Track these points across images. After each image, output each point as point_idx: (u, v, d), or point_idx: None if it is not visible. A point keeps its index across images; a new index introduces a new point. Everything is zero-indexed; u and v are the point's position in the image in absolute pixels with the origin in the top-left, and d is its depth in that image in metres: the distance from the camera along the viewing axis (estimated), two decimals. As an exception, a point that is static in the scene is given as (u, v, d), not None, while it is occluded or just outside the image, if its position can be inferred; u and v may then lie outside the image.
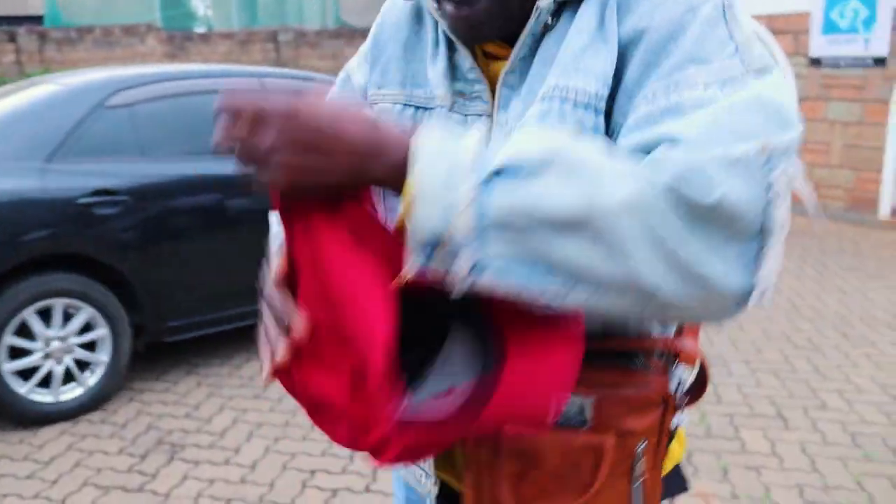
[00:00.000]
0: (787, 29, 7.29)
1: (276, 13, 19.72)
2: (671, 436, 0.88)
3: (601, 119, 0.74)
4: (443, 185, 0.61)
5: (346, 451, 3.04)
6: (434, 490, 0.94)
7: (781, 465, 2.91)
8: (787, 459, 2.96)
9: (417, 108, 0.90)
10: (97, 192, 3.35)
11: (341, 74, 1.03)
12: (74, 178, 3.34)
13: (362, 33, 12.83)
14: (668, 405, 0.84)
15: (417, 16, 0.93)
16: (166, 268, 3.56)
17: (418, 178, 0.62)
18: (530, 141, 0.64)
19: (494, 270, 0.62)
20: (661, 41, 0.72)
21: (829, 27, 7.00)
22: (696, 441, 3.07)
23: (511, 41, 0.83)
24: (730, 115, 0.65)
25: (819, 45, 7.09)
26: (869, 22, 6.76)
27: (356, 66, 1.00)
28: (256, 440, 3.16)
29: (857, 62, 6.89)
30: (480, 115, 0.84)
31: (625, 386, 0.81)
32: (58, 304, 3.29)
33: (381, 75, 0.94)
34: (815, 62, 7.16)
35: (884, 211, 7.04)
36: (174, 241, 3.60)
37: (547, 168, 0.61)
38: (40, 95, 3.57)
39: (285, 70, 4.39)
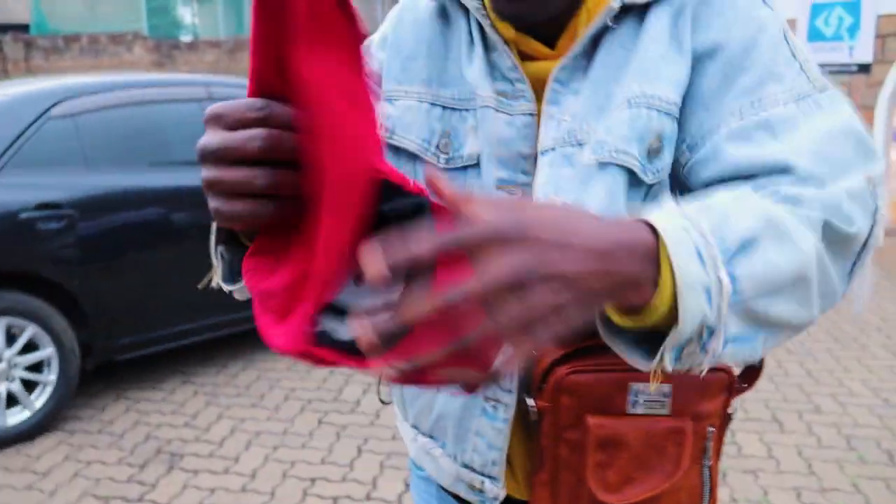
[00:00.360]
0: (773, 36, 7.38)
1: (263, 21, 19.62)
2: (729, 421, 0.92)
3: (676, 127, 0.78)
4: (699, 269, 0.55)
5: (346, 459, 3.05)
6: (502, 494, 0.91)
7: (778, 468, 2.94)
8: (783, 462, 2.99)
9: (445, 108, 0.89)
10: (40, 206, 3.24)
11: None
12: (16, 192, 3.21)
13: (350, 41, 12.83)
14: (732, 389, 0.88)
15: (443, 15, 0.92)
16: (114, 283, 3.45)
17: (678, 264, 0.54)
18: (738, 208, 0.61)
19: (732, 347, 0.60)
20: (737, 57, 0.76)
21: (815, 34, 7.08)
22: (693, 445, 3.09)
23: (548, 41, 0.84)
24: (828, 145, 0.71)
25: (805, 52, 7.18)
26: (853, 29, 6.85)
27: (377, 46, 0.97)
28: (255, 448, 3.15)
29: (843, 69, 6.98)
30: (526, 115, 0.84)
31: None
32: (0, 323, 3.20)
33: (401, 71, 0.92)
34: (801, 69, 7.25)
35: (870, 216, 7.12)
36: (121, 255, 3.49)
37: (766, 236, 0.60)
38: None
39: (235, 79, 4.31)
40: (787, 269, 0.61)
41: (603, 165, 0.78)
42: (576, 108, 0.81)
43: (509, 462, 0.91)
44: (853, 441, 3.15)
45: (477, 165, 0.87)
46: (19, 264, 3.23)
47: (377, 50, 0.97)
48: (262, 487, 2.87)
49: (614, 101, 0.79)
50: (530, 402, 0.84)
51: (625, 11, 0.81)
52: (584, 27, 0.82)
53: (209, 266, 0.80)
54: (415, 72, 0.91)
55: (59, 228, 3.27)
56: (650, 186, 0.79)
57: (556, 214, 0.51)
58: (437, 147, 0.89)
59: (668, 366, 0.59)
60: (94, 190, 3.41)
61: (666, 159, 0.78)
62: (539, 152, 0.82)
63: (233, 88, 4.09)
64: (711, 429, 0.88)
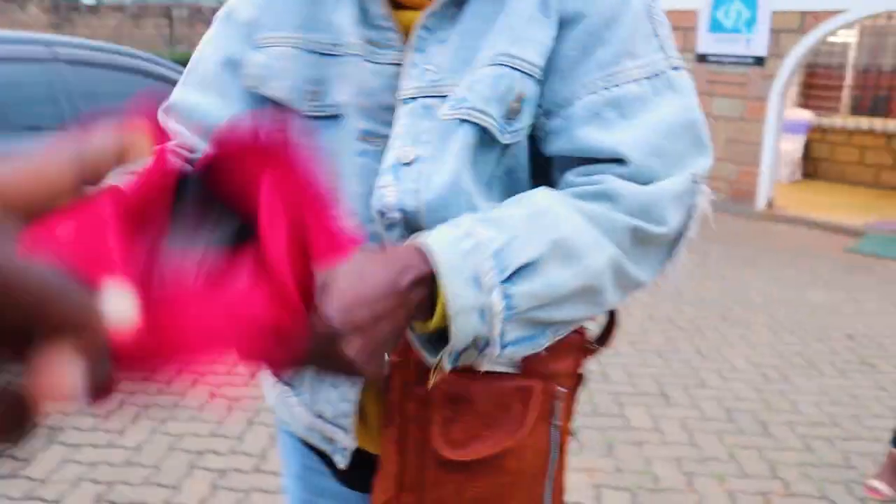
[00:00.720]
0: (677, 25, 7.59)
1: (170, -14, 18.96)
2: (580, 383, 0.93)
3: (538, 90, 0.78)
4: (474, 293, 0.65)
5: (235, 432, 2.99)
6: (353, 445, 0.90)
7: (662, 440, 3.05)
8: (667, 434, 3.10)
9: (318, 53, 0.86)
10: None
11: (221, 13, 0.95)
12: None
13: (261, 12, 12.52)
14: (584, 350, 0.91)
15: None
16: None
17: (452, 291, 0.64)
18: (530, 230, 0.69)
19: (512, 348, 0.70)
20: (598, 28, 0.78)
21: (716, 26, 7.34)
22: (583, 419, 3.17)
23: None
24: (666, 139, 0.76)
25: (706, 42, 7.43)
26: (750, 23, 7.14)
27: (238, 2, 0.93)
28: (143, 422, 3.05)
29: (740, 60, 7.26)
30: (393, 64, 0.82)
31: None
32: None
33: (273, 17, 0.88)
34: (702, 58, 7.50)
35: (760, 202, 7.47)
36: None
37: (550, 258, 0.69)
38: None
39: (87, 41, 3.88)
40: (571, 284, 0.70)
41: (460, 122, 0.77)
42: (441, 59, 0.80)
43: (363, 415, 0.90)
44: (733, 413, 3.30)
45: (343, 116, 0.85)
46: None
47: (239, 7, 0.92)
48: (146, 461, 2.78)
49: (480, 57, 0.79)
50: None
51: None
52: None
53: None
54: (287, 17, 0.87)
55: None
56: (506, 147, 0.79)
57: (349, 281, 0.59)
58: (307, 95, 0.85)
59: (447, 366, 0.68)
60: None
61: (525, 121, 0.79)
62: (400, 99, 0.80)
63: (80, 50, 3.66)
64: (562, 389, 0.89)
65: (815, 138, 9.40)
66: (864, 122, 9.21)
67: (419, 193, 0.76)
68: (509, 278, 0.67)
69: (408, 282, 0.63)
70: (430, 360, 0.69)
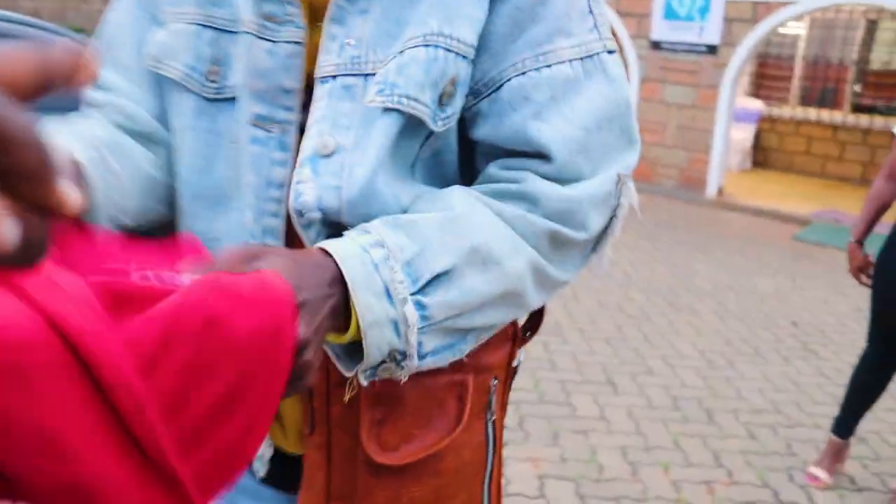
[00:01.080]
0: (631, 12, 7.59)
1: (117, -41, 18.42)
2: (514, 374, 0.90)
3: (471, 71, 0.72)
4: (385, 306, 0.62)
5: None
6: (268, 452, 0.85)
7: (608, 428, 3.03)
8: (613, 423, 3.09)
9: (218, 30, 0.78)
10: None
11: None
12: None
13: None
14: (516, 339, 0.87)
15: None
16: None
17: (362, 304, 0.61)
18: (443, 238, 0.66)
19: (432, 359, 0.67)
20: (530, 4, 0.71)
21: (670, 13, 7.35)
22: (529, 407, 3.14)
23: None
24: (594, 133, 0.72)
25: (660, 29, 7.44)
26: (704, 11, 7.16)
27: None
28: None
29: (692, 48, 7.29)
30: (291, 43, 0.74)
31: None
32: None
33: None
34: (656, 45, 7.52)
35: (710, 190, 7.54)
36: None
37: (465, 266, 0.66)
38: None
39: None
40: (489, 290, 0.68)
41: (386, 110, 0.69)
42: (362, 32, 0.71)
43: (278, 417, 0.84)
44: (679, 401, 3.30)
45: (221, 102, 0.77)
46: None
47: None
48: None
49: (406, 31, 0.71)
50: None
51: None
52: None
53: None
54: None
55: None
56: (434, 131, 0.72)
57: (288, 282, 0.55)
58: (205, 75, 0.77)
59: (364, 381, 0.66)
60: None
61: (457, 105, 0.72)
62: (318, 78, 0.72)
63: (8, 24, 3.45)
64: (495, 381, 0.84)
65: (765, 128, 9.54)
66: (812, 113, 9.37)
67: (341, 191, 0.69)
68: (422, 289, 0.64)
69: (327, 283, 0.60)
70: (347, 372, 0.66)
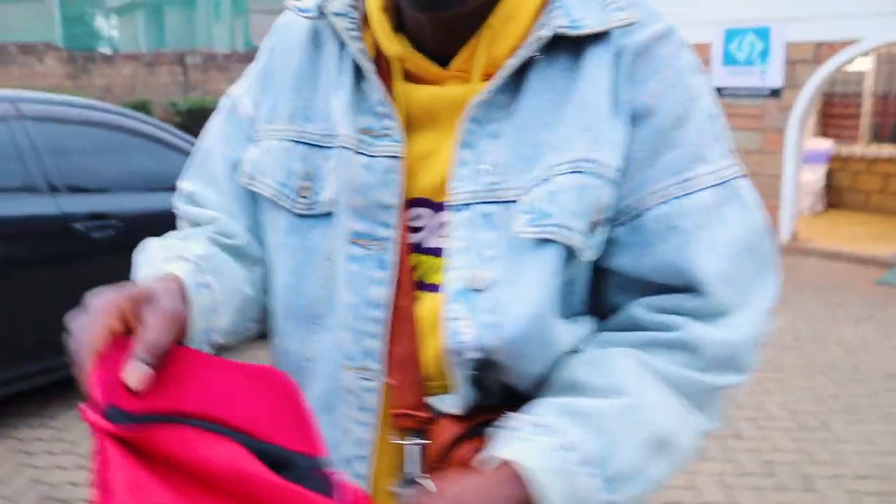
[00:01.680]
0: (690, 60, 7.54)
1: (185, 35, 19.25)
2: None
3: (616, 196, 0.71)
4: None
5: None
6: None
7: (700, 498, 2.89)
8: (705, 492, 2.94)
9: (310, 145, 0.77)
10: None
11: (225, 101, 0.89)
12: None
13: (273, 57, 12.65)
14: None
15: (315, 38, 0.80)
16: None
17: None
18: (626, 432, 0.65)
19: None
20: (668, 128, 0.71)
21: (729, 59, 7.26)
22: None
23: (442, 59, 0.73)
24: (737, 263, 0.71)
25: (720, 75, 7.35)
26: (764, 55, 7.06)
27: (243, 93, 0.86)
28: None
29: (755, 92, 7.17)
30: (389, 157, 0.73)
31: None
32: None
33: (270, 108, 0.81)
34: (718, 91, 7.42)
35: (783, 235, 7.32)
36: None
37: (649, 458, 0.66)
38: None
39: (51, 95, 3.83)
40: (668, 473, 0.68)
41: (542, 242, 0.67)
42: (496, 157, 0.70)
43: None
44: (773, 467, 3.14)
45: (318, 217, 0.76)
46: None
47: (243, 99, 0.85)
48: None
49: (547, 156, 0.69)
50: (429, 483, 0.73)
51: (555, 43, 0.70)
52: (486, 48, 0.71)
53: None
54: (283, 107, 0.80)
55: None
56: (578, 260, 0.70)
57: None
58: (297, 191, 0.77)
59: None
60: None
61: (604, 232, 0.70)
62: (451, 206, 0.70)
63: (46, 105, 3.56)
64: None
65: (836, 168, 9.26)
66: (886, 150, 9.07)
67: (502, 329, 0.67)
68: (614, 489, 0.63)
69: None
70: None
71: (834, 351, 4.53)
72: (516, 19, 0.72)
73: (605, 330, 0.75)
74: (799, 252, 7.19)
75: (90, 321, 0.57)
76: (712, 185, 0.71)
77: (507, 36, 0.72)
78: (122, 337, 0.56)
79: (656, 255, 0.70)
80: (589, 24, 0.70)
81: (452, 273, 0.69)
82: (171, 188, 0.99)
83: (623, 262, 0.72)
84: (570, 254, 0.69)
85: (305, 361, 0.78)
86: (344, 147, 0.74)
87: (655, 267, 0.71)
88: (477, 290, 0.68)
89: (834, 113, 9.81)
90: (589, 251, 0.70)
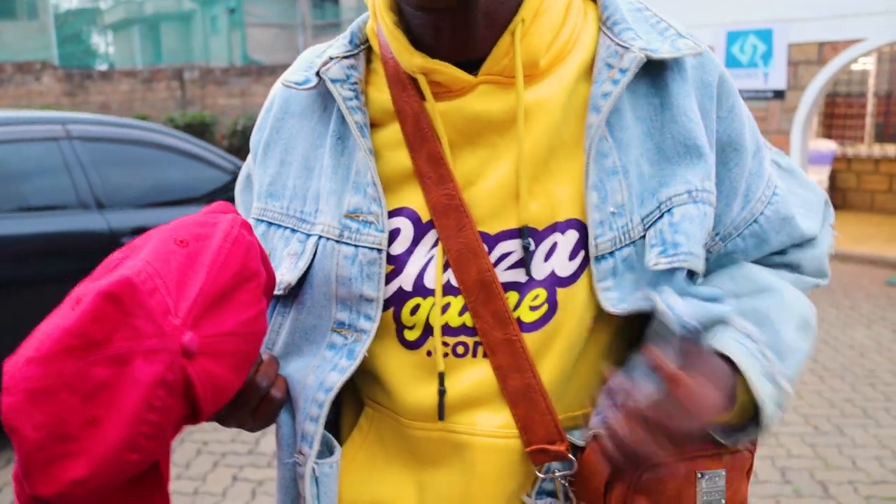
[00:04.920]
0: (691, 63, 7.49)
1: (181, 50, 19.27)
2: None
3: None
4: (772, 389, 0.71)
5: (269, 449, 2.81)
6: None
7: (715, 508, 2.80)
8: (720, 502, 2.86)
9: (271, 224, 0.78)
10: None
11: (243, 173, 0.88)
12: None
13: (270, 70, 12.59)
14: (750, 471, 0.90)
15: (312, 106, 0.78)
16: None
17: (761, 391, 0.70)
18: (781, 317, 0.78)
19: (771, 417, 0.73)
20: (745, 146, 0.79)
21: (731, 61, 7.21)
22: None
23: (469, 65, 0.70)
24: (809, 206, 0.87)
25: (722, 78, 7.30)
26: (767, 56, 7.00)
27: (255, 165, 0.83)
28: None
29: (759, 95, 7.11)
30: (372, 249, 0.71)
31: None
32: None
33: (272, 184, 0.80)
34: (719, 95, 7.37)
35: (790, 238, 7.25)
36: None
37: (800, 338, 0.78)
38: None
39: (98, 116, 4.09)
40: (812, 346, 0.81)
41: (672, 270, 0.70)
42: (620, 196, 0.70)
43: None
44: (788, 473, 3.05)
45: (290, 298, 0.76)
46: None
47: (255, 172, 0.84)
48: (195, 474, 2.60)
49: (660, 189, 0.71)
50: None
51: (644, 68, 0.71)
52: (523, 48, 0.69)
53: None
54: (255, 186, 0.82)
55: None
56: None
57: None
58: (294, 270, 0.77)
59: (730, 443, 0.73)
60: None
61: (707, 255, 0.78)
62: (595, 256, 0.69)
63: (94, 126, 3.76)
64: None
65: (841, 168, 9.19)
66: (891, 150, 9.00)
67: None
68: (785, 362, 0.74)
69: (726, 393, 0.69)
70: (725, 441, 0.72)
71: (847, 354, 4.45)
72: (547, 13, 0.70)
73: None
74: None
75: None
76: (779, 174, 0.85)
77: (540, 29, 0.70)
78: None
79: (775, 243, 0.83)
80: (662, 50, 0.71)
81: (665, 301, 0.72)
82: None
83: (744, 254, 0.83)
84: (692, 274, 0.74)
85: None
86: (326, 238, 0.73)
87: (775, 247, 0.83)
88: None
89: (838, 113, 9.75)
90: (704, 270, 0.76)
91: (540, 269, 0.71)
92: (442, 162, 0.70)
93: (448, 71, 0.69)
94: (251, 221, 0.79)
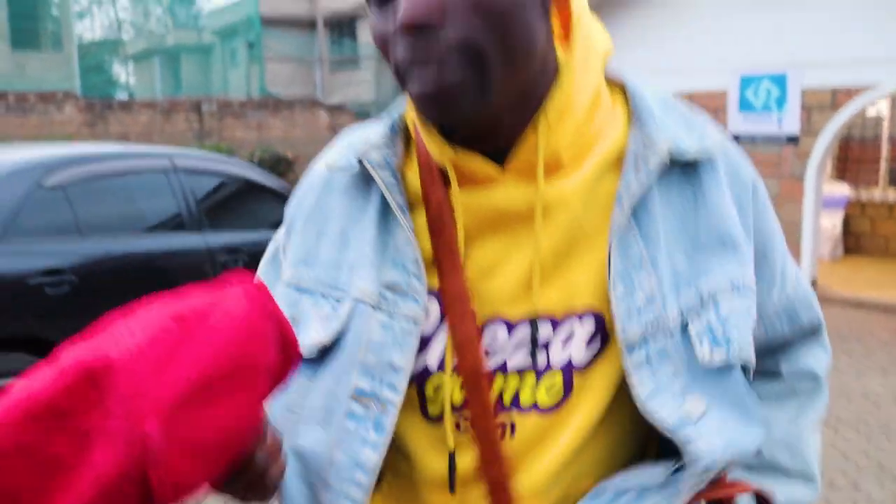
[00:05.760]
0: (707, 106, 7.52)
1: (201, 82, 19.57)
2: None
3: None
4: None
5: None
6: None
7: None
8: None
9: (302, 291, 0.79)
10: (47, 273, 3.44)
11: (270, 249, 0.90)
12: (22, 259, 3.40)
13: (287, 104, 12.76)
14: None
15: (351, 187, 0.80)
16: None
17: None
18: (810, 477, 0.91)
19: None
20: (779, 246, 0.85)
21: (745, 105, 7.25)
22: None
23: (497, 155, 0.72)
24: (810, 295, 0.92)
25: (736, 122, 7.33)
26: (781, 101, 7.04)
27: (289, 235, 0.85)
28: None
29: (773, 139, 7.14)
30: (409, 320, 0.72)
31: None
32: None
33: (289, 258, 0.82)
34: (735, 138, 7.40)
35: (804, 283, 7.21)
36: None
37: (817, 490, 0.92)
38: None
39: (196, 151, 4.80)
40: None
41: (728, 367, 0.71)
42: (649, 285, 0.70)
43: None
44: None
45: (319, 361, 0.76)
46: (26, 328, 3.41)
47: (286, 246, 0.86)
48: None
49: (699, 281, 0.72)
50: None
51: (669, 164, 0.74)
52: (545, 144, 0.70)
53: None
54: (289, 254, 0.83)
55: (60, 293, 3.48)
56: None
57: None
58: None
59: None
60: (91, 256, 3.68)
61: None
62: (626, 346, 0.70)
63: (193, 160, 4.50)
64: None
65: (855, 213, 9.17)
66: (905, 195, 8.99)
67: (735, 444, 0.73)
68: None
69: None
70: None
71: (861, 405, 4.40)
72: (572, 112, 0.71)
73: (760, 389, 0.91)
74: (820, 299, 7.03)
75: None
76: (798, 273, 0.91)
77: (565, 127, 0.71)
78: None
79: (803, 319, 0.90)
80: (689, 148, 0.73)
81: (663, 412, 0.70)
82: (276, 226, 1.11)
83: (781, 337, 0.90)
84: (745, 368, 0.75)
85: None
86: (361, 301, 0.74)
87: (805, 324, 0.90)
88: (695, 423, 0.70)
89: (852, 157, 9.77)
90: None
91: (558, 355, 0.72)
92: (455, 252, 0.72)
93: (474, 164, 0.71)
94: (281, 290, 0.81)
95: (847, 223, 9.13)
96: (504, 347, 0.73)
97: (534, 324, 0.72)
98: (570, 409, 0.73)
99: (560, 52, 0.72)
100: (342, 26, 19.23)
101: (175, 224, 4.20)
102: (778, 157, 7.14)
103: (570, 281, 0.73)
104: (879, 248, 9.07)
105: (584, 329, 0.72)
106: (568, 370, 0.72)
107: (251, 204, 4.66)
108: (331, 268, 0.78)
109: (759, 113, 7.17)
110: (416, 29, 0.63)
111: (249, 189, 4.66)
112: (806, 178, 7.01)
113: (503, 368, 0.74)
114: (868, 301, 6.83)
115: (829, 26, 6.64)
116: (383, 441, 0.72)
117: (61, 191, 3.70)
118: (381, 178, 0.75)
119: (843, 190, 9.09)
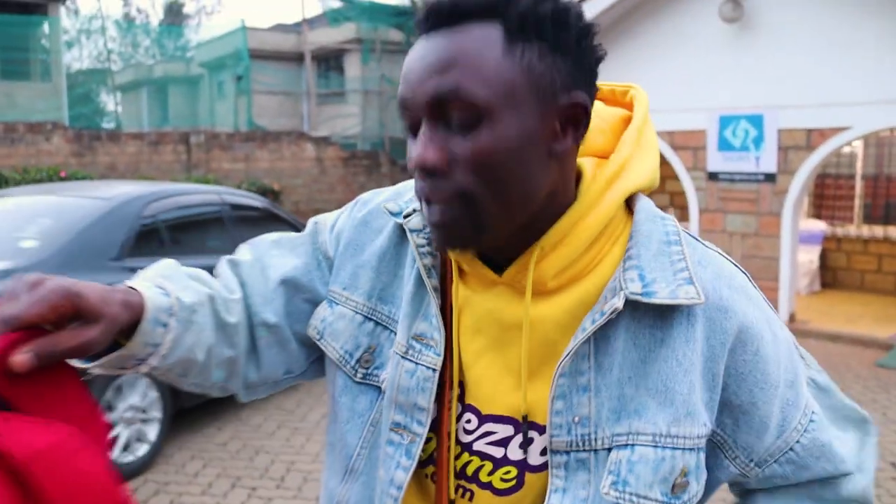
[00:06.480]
0: (686, 145, 7.74)
1: (188, 114, 19.61)
2: None
3: (703, 455, 0.80)
4: None
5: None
6: None
7: None
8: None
9: (379, 324, 0.89)
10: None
11: (310, 226, 0.98)
12: (133, 275, 3.73)
13: (274, 136, 12.85)
14: None
15: (402, 234, 0.90)
16: None
17: None
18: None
19: None
20: (784, 387, 0.85)
21: (724, 145, 7.46)
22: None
23: (499, 265, 0.81)
24: (852, 437, 0.94)
25: (715, 160, 7.54)
26: (758, 141, 7.26)
27: (328, 229, 0.96)
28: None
29: (750, 177, 7.34)
30: (429, 368, 0.83)
31: None
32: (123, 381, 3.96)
33: (350, 277, 0.91)
34: (713, 176, 7.60)
35: (782, 317, 7.37)
36: None
37: None
38: (83, 206, 4.31)
39: (239, 191, 5.54)
40: None
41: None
42: (587, 410, 0.78)
43: None
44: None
45: (379, 392, 0.87)
46: None
47: (329, 234, 0.96)
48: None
49: (632, 420, 0.77)
50: None
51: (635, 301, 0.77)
52: (536, 268, 0.79)
53: None
54: (361, 281, 0.90)
55: None
56: None
57: None
58: (358, 361, 0.89)
59: None
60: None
61: (693, 488, 0.79)
62: (552, 450, 0.79)
63: (237, 197, 5.42)
64: None
65: (831, 248, 9.39)
66: (879, 231, 9.22)
67: None
68: None
69: None
70: None
71: (837, 437, 4.51)
72: (566, 246, 0.78)
73: None
74: (798, 333, 7.22)
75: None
76: (813, 392, 0.90)
77: (555, 259, 0.78)
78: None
79: (815, 469, 0.88)
80: (660, 293, 0.75)
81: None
82: None
83: (784, 479, 0.88)
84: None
85: (337, 501, 0.90)
86: (396, 353, 0.85)
87: (818, 473, 0.89)
88: None
89: (827, 194, 10.01)
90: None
91: (515, 453, 0.81)
92: (450, 338, 0.84)
93: (475, 270, 0.82)
94: (347, 312, 0.90)
95: (824, 258, 9.34)
96: (473, 432, 0.83)
97: (501, 422, 0.82)
98: (520, 499, 0.82)
99: (584, 180, 0.80)
100: (329, 60, 19.47)
101: (225, 248, 4.42)
102: (756, 194, 7.35)
103: (536, 392, 0.80)
104: (855, 283, 9.28)
105: (542, 439, 0.80)
106: (522, 469, 0.81)
107: (273, 230, 5.17)
108: (394, 305, 0.88)
109: (738, 152, 7.38)
110: (426, 172, 0.73)
111: (272, 218, 5.55)
112: (783, 214, 7.21)
113: (469, 448, 0.83)
114: (845, 334, 7.00)
115: (805, 70, 6.89)
116: (412, 465, 0.83)
117: (152, 219, 4.50)
118: (415, 242, 0.85)
119: (819, 226, 9.32)
